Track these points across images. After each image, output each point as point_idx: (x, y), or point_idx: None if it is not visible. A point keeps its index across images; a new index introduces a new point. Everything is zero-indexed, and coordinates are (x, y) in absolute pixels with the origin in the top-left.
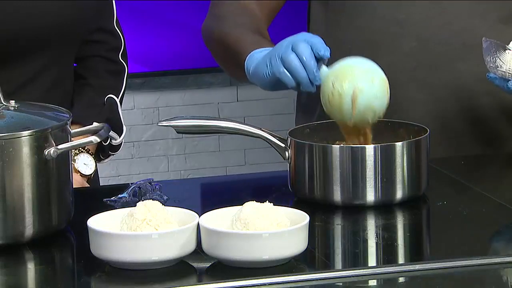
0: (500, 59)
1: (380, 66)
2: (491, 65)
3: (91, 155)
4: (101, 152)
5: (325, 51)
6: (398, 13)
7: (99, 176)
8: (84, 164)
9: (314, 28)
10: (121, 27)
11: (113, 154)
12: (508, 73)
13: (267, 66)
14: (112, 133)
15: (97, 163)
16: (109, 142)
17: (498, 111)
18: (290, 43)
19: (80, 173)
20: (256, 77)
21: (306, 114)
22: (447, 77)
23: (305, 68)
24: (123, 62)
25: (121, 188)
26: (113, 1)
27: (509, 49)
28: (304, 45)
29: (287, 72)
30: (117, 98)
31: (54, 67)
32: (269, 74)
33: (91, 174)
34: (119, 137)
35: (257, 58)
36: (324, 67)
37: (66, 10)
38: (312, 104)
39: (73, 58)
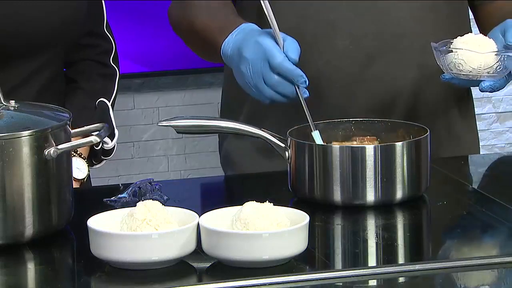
0: (462, 62)
1: (314, 67)
2: (450, 67)
3: (84, 159)
4: (93, 157)
5: (305, 84)
6: (327, 14)
7: (94, 177)
8: (77, 168)
9: None
10: (111, 31)
11: (105, 159)
12: (470, 73)
13: (249, 76)
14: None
15: (90, 168)
16: (101, 147)
17: (434, 95)
18: (265, 59)
19: (73, 177)
20: (234, 67)
21: (232, 113)
22: (382, 70)
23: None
24: (115, 66)
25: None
26: (103, 5)
27: (463, 49)
28: (285, 67)
29: (271, 90)
30: (109, 102)
31: (47, 68)
32: (250, 84)
33: (84, 178)
34: (111, 141)
35: (231, 42)
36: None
37: (66, 11)
38: (236, 104)
39: (62, 59)
